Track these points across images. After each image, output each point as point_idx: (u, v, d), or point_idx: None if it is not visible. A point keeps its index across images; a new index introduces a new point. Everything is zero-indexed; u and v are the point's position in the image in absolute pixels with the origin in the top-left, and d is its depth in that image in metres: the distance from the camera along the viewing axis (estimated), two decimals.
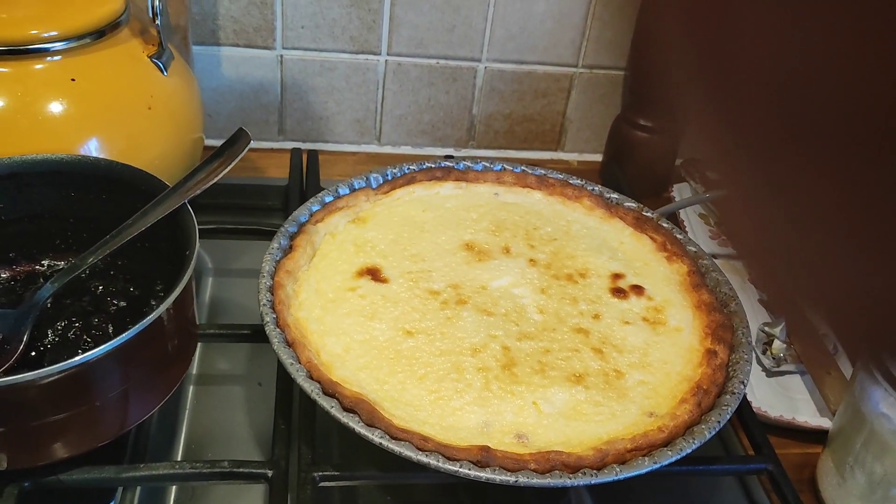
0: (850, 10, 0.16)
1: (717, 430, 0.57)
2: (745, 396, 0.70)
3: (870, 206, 0.17)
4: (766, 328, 0.78)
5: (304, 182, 0.90)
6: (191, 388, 0.71)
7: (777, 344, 0.78)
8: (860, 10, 0.16)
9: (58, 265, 0.69)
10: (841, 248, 0.18)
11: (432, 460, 0.52)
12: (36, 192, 0.66)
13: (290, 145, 1.01)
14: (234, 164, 0.62)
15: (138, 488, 0.62)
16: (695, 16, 0.19)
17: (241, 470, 0.57)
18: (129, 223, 0.61)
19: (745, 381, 0.61)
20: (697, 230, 0.95)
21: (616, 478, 0.53)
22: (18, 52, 0.66)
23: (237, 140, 0.63)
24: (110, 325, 0.63)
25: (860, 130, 0.16)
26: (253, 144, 1.05)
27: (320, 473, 0.57)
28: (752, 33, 0.18)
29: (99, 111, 0.69)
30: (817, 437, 0.72)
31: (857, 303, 0.19)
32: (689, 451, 0.55)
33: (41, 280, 0.67)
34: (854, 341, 0.21)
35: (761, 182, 0.20)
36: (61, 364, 0.49)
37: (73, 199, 0.66)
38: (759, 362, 0.78)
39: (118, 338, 0.51)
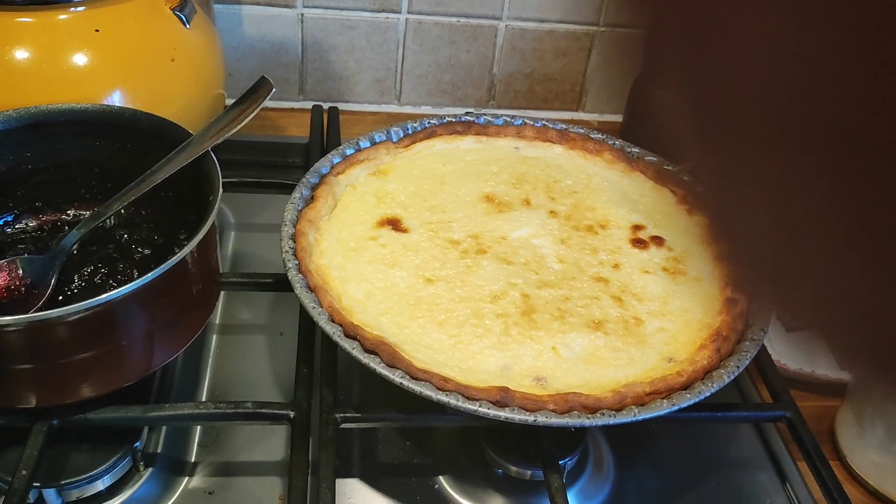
0: (843, 18, 0.16)
1: (735, 374, 0.57)
2: (764, 348, 0.71)
3: (865, 215, 0.17)
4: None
5: (325, 139, 0.90)
6: (214, 337, 0.73)
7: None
8: (854, 19, 0.15)
9: (83, 214, 0.70)
10: (838, 259, 0.18)
11: (452, 400, 0.53)
12: (61, 142, 0.67)
13: (310, 104, 1.01)
14: (256, 111, 0.62)
15: (163, 430, 0.63)
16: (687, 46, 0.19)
17: (264, 411, 0.58)
18: (153, 171, 0.62)
19: (765, 329, 0.61)
20: None
21: (634, 419, 0.54)
22: (43, 2, 0.66)
23: (259, 87, 0.64)
24: (135, 270, 0.64)
25: (851, 137, 0.16)
26: (273, 104, 1.06)
27: (342, 415, 0.58)
28: (744, 47, 0.18)
29: (122, 62, 0.70)
30: (837, 390, 0.72)
31: (852, 314, 0.19)
32: (707, 394, 0.55)
33: (67, 229, 0.68)
34: (847, 352, 0.21)
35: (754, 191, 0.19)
36: (87, 302, 0.50)
37: (97, 148, 0.67)
38: (779, 317, 0.78)
39: (143, 278, 0.52)
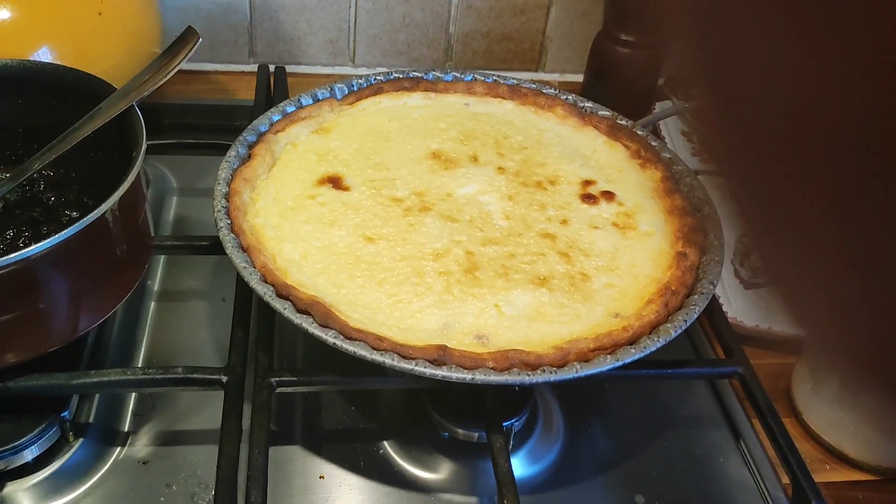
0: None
1: (683, 328, 0.55)
2: (718, 304, 0.69)
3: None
4: (745, 240, 0.76)
5: (272, 101, 0.87)
6: (152, 303, 0.70)
7: (755, 255, 0.76)
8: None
9: (6, 176, 0.66)
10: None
11: (387, 359, 0.51)
12: None
13: None
14: (181, 62, 0.59)
15: (96, 399, 0.61)
16: None
17: (195, 376, 0.56)
18: (75, 127, 0.59)
19: (715, 282, 0.59)
20: (679, 146, 0.92)
21: (576, 375, 0.52)
22: None
23: (186, 38, 0.61)
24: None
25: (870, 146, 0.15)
26: (223, 67, 1.03)
27: (277, 379, 0.56)
28: None
29: (46, 16, 0.66)
30: (794, 348, 0.71)
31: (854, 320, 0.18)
32: (653, 349, 0.54)
33: None
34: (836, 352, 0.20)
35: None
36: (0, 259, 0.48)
37: (20, 106, 0.64)
38: (737, 274, 0.76)
39: (57, 235, 0.49)
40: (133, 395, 0.62)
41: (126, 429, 0.60)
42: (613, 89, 1.00)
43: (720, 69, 0.18)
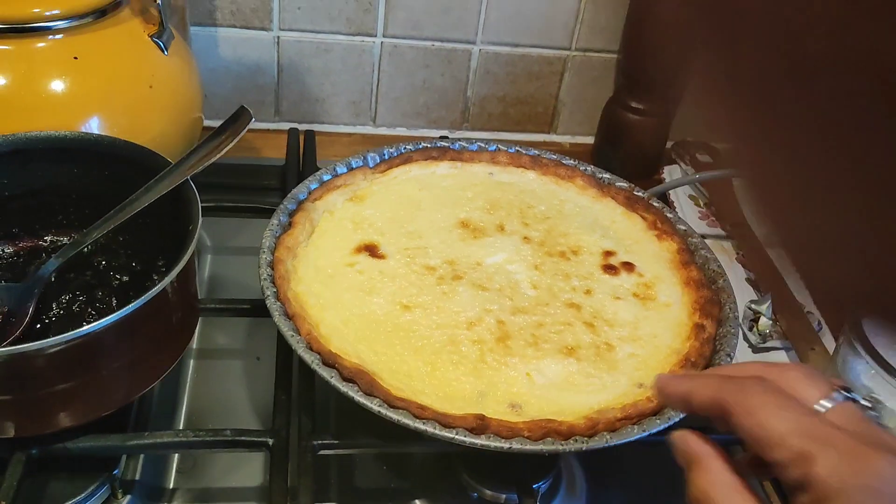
0: None
1: None
2: None
3: (877, 162, 0.17)
4: (753, 305, 0.80)
5: (301, 162, 0.91)
6: (191, 362, 0.73)
7: (763, 321, 0.80)
8: None
9: (60, 241, 0.70)
10: (843, 205, 0.18)
11: (429, 428, 0.54)
12: (39, 169, 0.67)
13: (285, 126, 1.02)
14: (235, 140, 0.63)
15: (141, 457, 0.63)
16: None
17: (242, 438, 0.59)
18: (132, 199, 0.62)
19: (732, 354, 0.63)
20: (687, 211, 0.97)
21: (606, 444, 0.55)
22: (21, 30, 0.67)
23: (239, 117, 0.65)
24: (113, 298, 0.64)
25: (865, 70, 0.16)
26: (249, 125, 1.07)
27: (320, 441, 0.59)
28: None
29: (101, 89, 0.70)
30: None
31: (849, 261, 0.19)
32: (675, 419, 0.57)
33: (44, 255, 0.69)
34: (836, 299, 0.22)
35: (769, 138, 0.20)
36: (67, 334, 0.51)
37: (75, 175, 0.67)
38: (746, 339, 0.80)
39: (123, 309, 0.52)
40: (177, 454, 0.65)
41: (171, 486, 0.63)
42: (624, 153, 1.05)
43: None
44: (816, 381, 0.46)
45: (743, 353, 0.79)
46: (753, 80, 0.19)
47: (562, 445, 0.55)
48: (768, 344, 0.80)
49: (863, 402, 0.45)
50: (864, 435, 0.41)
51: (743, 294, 0.84)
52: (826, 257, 0.20)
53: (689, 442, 0.48)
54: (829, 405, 0.43)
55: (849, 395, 0.44)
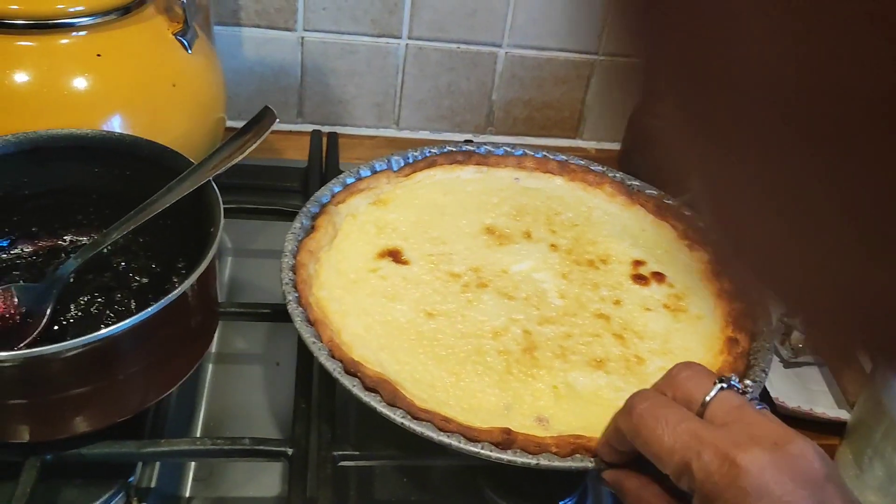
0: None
1: None
2: (765, 388, 0.70)
3: (870, 202, 0.17)
4: (785, 319, 0.78)
5: (324, 164, 0.89)
6: (209, 366, 0.72)
7: (796, 335, 0.77)
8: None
9: (80, 240, 0.69)
10: (841, 246, 0.18)
11: (454, 441, 0.53)
12: (59, 167, 0.66)
13: (308, 128, 1.01)
14: (259, 142, 0.62)
15: (157, 465, 0.62)
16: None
17: (261, 447, 0.58)
18: (153, 199, 0.61)
19: (767, 370, 0.61)
20: None
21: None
22: (44, 26, 0.66)
23: (262, 118, 0.63)
24: (132, 300, 0.63)
25: (862, 122, 0.16)
26: (272, 126, 1.06)
27: (340, 453, 0.57)
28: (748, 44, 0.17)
29: (124, 87, 0.69)
30: (834, 428, 0.72)
31: (850, 301, 0.19)
32: None
33: (63, 255, 0.67)
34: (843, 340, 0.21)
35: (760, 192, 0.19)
36: (85, 338, 0.49)
37: (96, 174, 0.66)
38: (777, 353, 0.78)
39: (142, 313, 0.51)
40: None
41: (187, 494, 0.61)
42: (651, 160, 1.03)
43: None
44: (701, 378, 0.49)
45: (774, 367, 0.77)
46: (729, 122, 0.19)
47: (591, 462, 0.53)
48: (801, 359, 0.77)
49: (738, 385, 0.48)
50: (736, 428, 0.45)
51: (775, 307, 0.81)
52: (819, 300, 0.20)
53: (621, 479, 0.51)
54: (709, 399, 0.47)
55: (726, 384, 0.48)
